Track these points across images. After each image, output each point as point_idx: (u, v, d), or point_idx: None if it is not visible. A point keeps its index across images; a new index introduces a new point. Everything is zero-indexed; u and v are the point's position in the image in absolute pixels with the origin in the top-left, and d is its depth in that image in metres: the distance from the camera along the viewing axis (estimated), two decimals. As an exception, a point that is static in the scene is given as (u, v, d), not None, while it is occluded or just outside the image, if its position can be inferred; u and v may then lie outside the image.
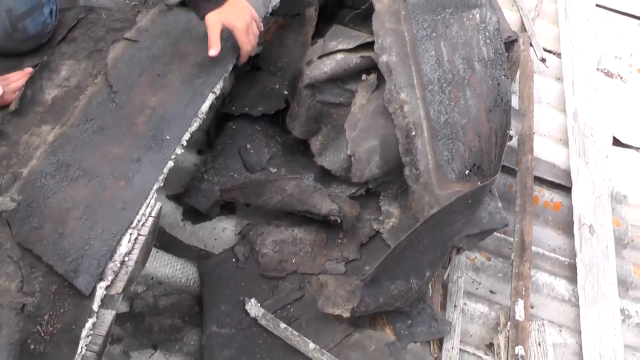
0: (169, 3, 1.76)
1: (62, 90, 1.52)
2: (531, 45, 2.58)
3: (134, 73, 1.57)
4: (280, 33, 2.19)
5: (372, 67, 1.80)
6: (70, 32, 1.67)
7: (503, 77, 1.69)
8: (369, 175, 1.78)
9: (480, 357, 1.90)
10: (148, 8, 1.77)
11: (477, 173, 1.68)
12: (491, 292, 2.05)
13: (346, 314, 1.60)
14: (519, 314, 1.87)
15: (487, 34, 1.72)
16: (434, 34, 1.71)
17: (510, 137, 1.83)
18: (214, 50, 1.60)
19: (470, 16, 1.73)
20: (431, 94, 1.68)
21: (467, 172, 1.68)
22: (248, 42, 1.67)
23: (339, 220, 1.77)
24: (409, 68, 1.70)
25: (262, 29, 1.76)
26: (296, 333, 1.64)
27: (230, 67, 1.69)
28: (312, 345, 1.63)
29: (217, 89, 1.63)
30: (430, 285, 1.85)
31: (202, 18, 1.63)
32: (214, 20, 1.61)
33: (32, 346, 1.06)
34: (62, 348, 1.09)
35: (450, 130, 1.68)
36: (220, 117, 2.05)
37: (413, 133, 1.68)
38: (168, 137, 1.48)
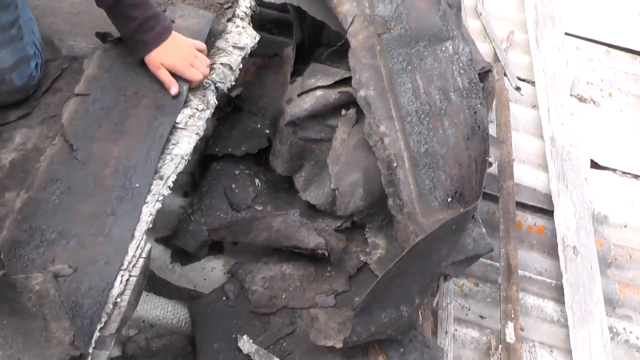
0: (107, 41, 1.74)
1: (19, 154, 1.50)
2: (505, 74, 2.65)
3: (91, 127, 1.55)
4: (260, 73, 2.24)
5: (351, 102, 1.84)
6: (54, 83, 1.69)
7: (479, 105, 1.74)
8: (353, 207, 1.81)
9: (473, 382, 1.91)
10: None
11: (459, 200, 1.71)
12: (481, 317, 2.07)
13: (339, 345, 1.60)
14: (510, 336, 1.89)
15: (461, 64, 1.78)
16: (409, 67, 1.76)
17: (490, 164, 1.87)
18: (174, 89, 1.63)
19: (444, 48, 1.79)
20: (410, 125, 1.72)
21: (449, 199, 1.71)
22: (194, 73, 1.66)
23: (326, 254, 1.79)
24: (387, 101, 1.74)
25: (207, 61, 1.74)
26: (290, 368, 1.65)
27: (182, 102, 1.67)
28: (306, 379, 1.64)
29: (201, 131, 1.66)
30: (420, 312, 1.86)
31: (141, 61, 1.64)
32: (155, 64, 1.62)
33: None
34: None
35: (431, 159, 1.71)
36: (204, 158, 2.07)
37: (394, 164, 1.71)
38: (137, 185, 1.47)
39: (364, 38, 1.79)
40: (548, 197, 2.36)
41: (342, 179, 1.80)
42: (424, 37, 1.80)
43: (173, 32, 1.66)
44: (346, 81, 1.84)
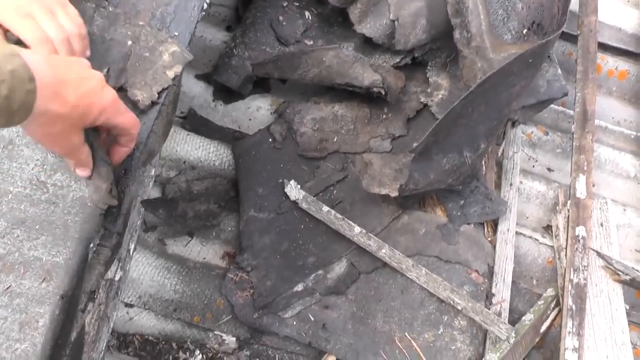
0: None
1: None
2: None
3: None
4: None
5: None
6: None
7: None
8: (414, 41, 1.60)
9: (537, 239, 1.75)
10: None
11: (536, 31, 1.49)
12: (549, 169, 1.89)
13: (394, 193, 1.47)
14: (580, 190, 1.71)
15: None
16: None
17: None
18: None
19: None
20: (485, -58, 1.48)
21: (525, 31, 1.50)
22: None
23: (382, 93, 1.61)
24: None
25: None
26: (340, 216, 1.53)
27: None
28: (357, 229, 1.52)
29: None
30: (484, 161, 1.70)
31: None
32: None
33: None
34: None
35: (507, -17, 1.48)
36: (248, -10, 1.87)
37: (464, -10, 1.49)
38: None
39: None
40: (635, 38, 2.08)
41: (403, 7, 1.59)
42: None
43: None
44: None
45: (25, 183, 0.93)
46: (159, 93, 1.04)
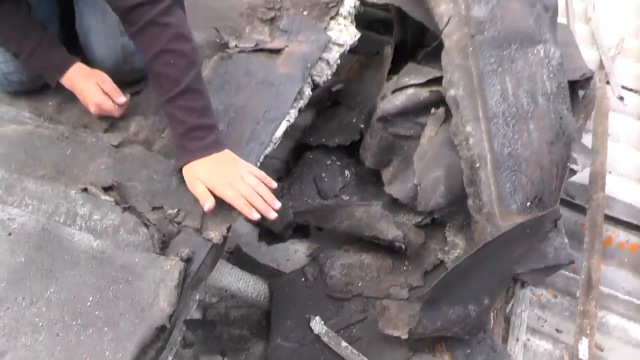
0: None
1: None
2: (608, 82, 2.57)
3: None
4: (362, 70, 2.32)
5: (441, 100, 1.88)
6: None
7: (565, 110, 1.74)
8: (434, 204, 1.85)
9: (540, 395, 1.89)
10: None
11: (537, 205, 1.71)
12: (557, 330, 2.03)
13: (404, 336, 1.66)
14: (583, 352, 1.85)
15: (551, 68, 1.78)
16: (499, 69, 1.78)
17: (574, 172, 1.85)
18: (209, 205, 1.41)
19: (535, 51, 1.79)
20: (496, 127, 1.74)
21: (528, 203, 1.71)
22: (250, 210, 1.41)
23: (403, 247, 1.84)
24: (475, 102, 1.77)
25: (274, 185, 1.51)
26: (357, 352, 1.71)
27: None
28: (372, 365, 1.70)
29: (292, 118, 1.76)
30: (492, 316, 1.87)
31: (179, 170, 1.49)
32: (191, 177, 1.45)
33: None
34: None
35: (513, 162, 1.72)
36: (299, 147, 2.19)
37: (477, 165, 1.74)
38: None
39: (458, 39, 1.83)
40: (645, 214, 2.28)
41: (425, 175, 1.84)
42: (516, 39, 1.81)
43: (227, 150, 1.49)
44: (438, 80, 1.88)
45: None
46: (228, 229, 1.33)
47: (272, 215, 1.43)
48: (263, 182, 1.47)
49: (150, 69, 1.44)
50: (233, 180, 1.42)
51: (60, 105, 1.66)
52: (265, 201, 1.43)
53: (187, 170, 1.45)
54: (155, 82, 1.45)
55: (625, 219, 2.27)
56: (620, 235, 2.25)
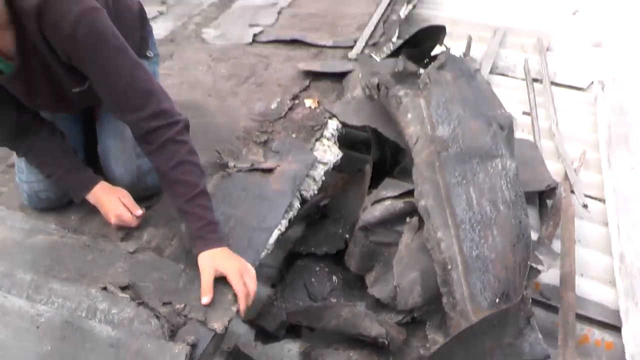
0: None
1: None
2: (572, 192, 2.80)
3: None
4: (345, 187, 2.59)
5: (414, 210, 2.11)
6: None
7: (523, 215, 1.98)
8: (412, 302, 2.03)
9: None
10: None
11: (505, 300, 1.90)
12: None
13: None
14: None
15: (508, 179, 2.04)
16: (464, 181, 2.03)
17: (539, 271, 2.06)
18: (206, 298, 1.67)
19: (494, 165, 2.06)
20: (464, 232, 1.97)
21: (497, 300, 1.90)
22: (242, 287, 1.69)
23: (386, 343, 2.01)
24: (444, 211, 2.00)
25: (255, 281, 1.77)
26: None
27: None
28: None
29: (282, 227, 1.99)
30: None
31: (196, 256, 1.76)
32: (207, 264, 1.72)
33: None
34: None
35: (482, 264, 1.93)
36: (290, 256, 2.42)
37: (449, 267, 1.94)
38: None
39: (426, 155, 2.10)
40: (617, 314, 2.42)
41: (403, 276, 2.04)
42: (476, 155, 2.08)
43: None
44: (411, 193, 2.13)
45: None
46: (229, 321, 1.56)
47: None
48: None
49: (169, 177, 1.73)
50: (243, 270, 1.72)
51: (82, 218, 1.93)
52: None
53: (203, 257, 1.73)
54: (174, 187, 1.75)
55: (598, 318, 2.41)
56: (596, 334, 2.36)
